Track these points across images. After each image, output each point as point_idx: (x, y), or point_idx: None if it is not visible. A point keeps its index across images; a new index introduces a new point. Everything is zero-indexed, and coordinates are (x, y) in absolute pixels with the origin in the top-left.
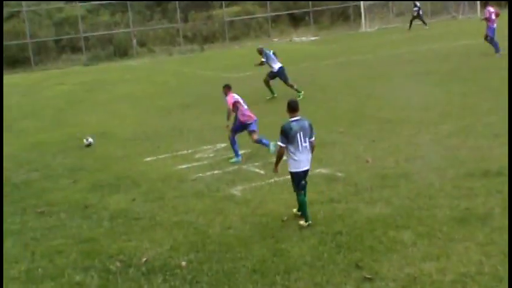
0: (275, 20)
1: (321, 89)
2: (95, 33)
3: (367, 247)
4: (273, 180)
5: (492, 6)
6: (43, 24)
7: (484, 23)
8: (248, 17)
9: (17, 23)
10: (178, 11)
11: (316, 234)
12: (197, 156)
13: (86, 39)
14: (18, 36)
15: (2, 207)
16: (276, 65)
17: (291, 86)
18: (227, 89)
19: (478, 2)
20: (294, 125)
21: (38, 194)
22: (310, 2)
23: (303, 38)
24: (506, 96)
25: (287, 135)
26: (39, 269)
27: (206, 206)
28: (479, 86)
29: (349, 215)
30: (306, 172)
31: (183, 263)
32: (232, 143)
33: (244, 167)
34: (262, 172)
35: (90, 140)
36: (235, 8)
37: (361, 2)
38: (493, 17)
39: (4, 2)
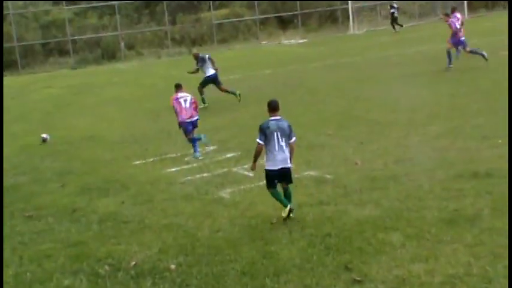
0: (263, 22)
1: (309, 91)
2: (82, 36)
3: (356, 249)
4: (262, 182)
5: (459, 13)
6: (30, 27)
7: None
8: (236, 19)
9: (4, 26)
10: (166, 13)
11: (305, 237)
12: (186, 159)
13: (74, 42)
14: (5, 40)
15: (2, 210)
16: (210, 71)
17: (225, 91)
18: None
19: (466, 3)
20: (272, 124)
21: (26, 198)
22: (298, 4)
23: (292, 41)
24: (494, 97)
25: (264, 133)
26: (28, 273)
27: (195, 208)
28: (467, 87)
29: (338, 217)
30: (283, 171)
31: (172, 266)
32: (190, 141)
33: (234, 169)
34: (251, 175)
35: (45, 136)
36: (223, 11)
37: (349, 4)
38: (457, 26)
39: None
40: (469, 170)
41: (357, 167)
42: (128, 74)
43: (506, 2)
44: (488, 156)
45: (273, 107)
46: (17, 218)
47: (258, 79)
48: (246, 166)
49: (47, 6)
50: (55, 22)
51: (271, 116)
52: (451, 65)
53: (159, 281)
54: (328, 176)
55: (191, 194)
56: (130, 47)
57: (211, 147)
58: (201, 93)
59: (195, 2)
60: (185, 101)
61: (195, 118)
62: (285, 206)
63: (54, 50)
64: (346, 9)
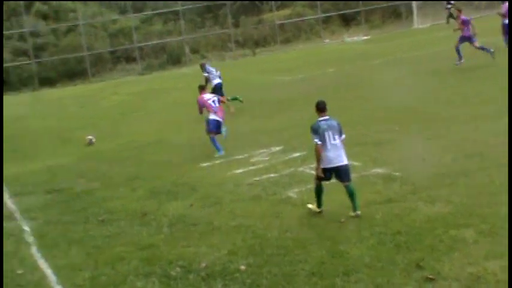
0: (326, 21)
1: (372, 88)
2: (148, 43)
3: (428, 246)
4: (328, 182)
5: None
6: (99, 36)
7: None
8: (299, 19)
9: (74, 37)
10: (229, 16)
11: (374, 235)
12: (252, 160)
13: (140, 49)
14: (76, 50)
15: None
16: (215, 81)
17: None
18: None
19: None
20: (322, 124)
21: (98, 203)
22: (360, 2)
23: (355, 38)
24: None
25: (318, 133)
26: (103, 277)
27: (263, 209)
28: None
29: (407, 215)
30: (338, 168)
31: (242, 267)
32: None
33: (300, 169)
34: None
35: (91, 137)
36: (285, 11)
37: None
38: (469, 25)
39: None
40: None
41: (425, 163)
42: (193, 78)
43: None
44: None
45: (321, 108)
46: (90, 223)
47: (322, 78)
48: (312, 165)
49: (115, 15)
50: (122, 30)
51: (320, 117)
52: (462, 61)
53: (230, 282)
54: (396, 173)
55: (259, 195)
56: (194, 51)
57: (277, 148)
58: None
59: (258, 3)
60: (214, 101)
61: (221, 120)
62: (319, 207)
63: (122, 58)
64: (410, 4)
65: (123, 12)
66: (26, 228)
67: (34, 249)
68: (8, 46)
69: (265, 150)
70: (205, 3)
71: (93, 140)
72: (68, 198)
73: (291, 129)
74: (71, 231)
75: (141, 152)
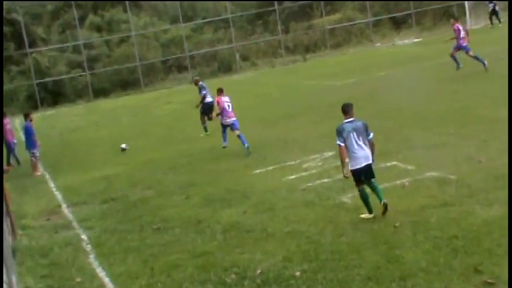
0: (376, 24)
1: (425, 90)
2: (199, 51)
3: (486, 250)
4: (382, 186)
5: (459, 24)
6: (151, 46)
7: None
8: (349, 23)
9: (127, 47)
10: (279, 22)
11: (430, 239)
12: (305, 165)
13: (191, 57)
14: (128, 60)
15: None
16: (209, 98)
17: (203, 122)
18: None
19: None
20: (347, 126)
21: (153, 211)
22: (411, 4)
23: (406, 41)
24: None
25: (341, 136)
26: (159, 284)
27: (317, 214)
28: None
29: (464, 218)
30: (366, 168)
31: (297, 273)
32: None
33: None
34: None
35: (124, 146)
36: (335, 16)
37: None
38: (463, 35)
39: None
40: None
41: (481, 166)
42: (244, 85)
43: None
44: None
45: (346, 110)
46: (146, 231)
47: (373, 82)
48: None
49: (166, 25)
50: (173, 40)
51: (345, 119)
52: (460, 66)
53: None
54: (452, 176)
55: (312, 201)
56: (245, 58)
57: (330, 153)
58: (203, 121)
59: (307, 9)
60: (229, 105)
61: (235, 120)
62: (370, 212)
63: (174, 67)
64: (463, 4)
65: (174, 21)
66: (84, 237)
67: (92, 258)
68: (63, 58)
69: (317, 155)
70: (254, 10)
71: (127, 148)
72: (123, 207)
73: None
74: (127, 240)
75: (194, 160)
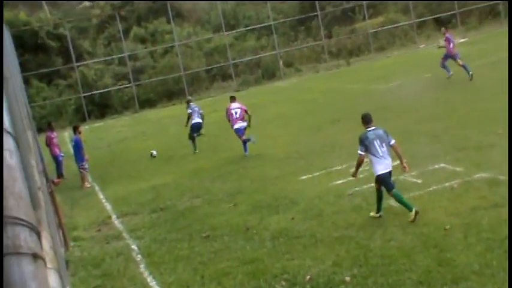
0: (420, 26)
1: (472, 90)
2: (243, 59)
3: None
4: (431, 188)
5: (450, 33)
6: (194, 55)
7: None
8: (392, 26)
9: (171, 58)
10: (321, 27)
11: (482, 241)
12: (351, 170)
13: (235, 65)
14: (173, 70)
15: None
16: (196, 119)
17: (193, 140)
18: (231, 99)
19: None
20: (370, 134)
21: (201, 219)
22: (456, 3)
23: None
24: None
25: (364, 144)
26: None
27: (365, 219)
28: None
29: None
30: (390, 172)
31: (347, 278)
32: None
33: (402, 177)
34: (419, 181)
35: (154, 152)
36: (378, 19)
37: None
38: (452, 43)
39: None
40: None
41: None
42: (288, 91)
43: None
44: None
45: (367, 120)
46: (195, 239)
47: (418, 84)
48: (413, 173)
49: (209, 34)
50: (217, 48)
51: (366, 128)
52: (451, 73)
53: None
54: (501, 177)
55: (360, 205)
56: (288, 64)
57: None
58: (193, 140)
59: (350, 13)
60: (236, 112)
61: (244, 125)
62: (410, 210)
63: (218, 75)
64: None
65: (216, 30)
66: (134, 247)
67: (142, 267)
68: (109, 71)
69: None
70: (297, 16)
71: (155, 154)
72: (172, 216)
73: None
74: (177, 249)
75: (241, 167)
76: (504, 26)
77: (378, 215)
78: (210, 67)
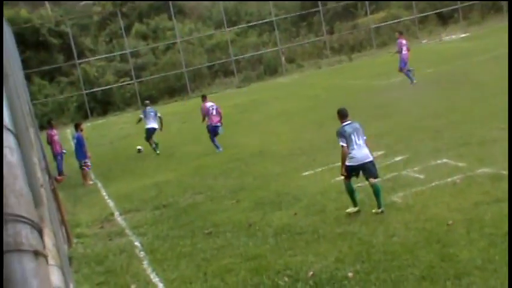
0: (422, 21)
1: (475, 86)
2: (244, 56)
3: None
4: (434, 184)
5: (404, 39)
6: (196, 52)
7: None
8: (394, 21)
9: (173, 54)
10: (323, 23)
11: (485, 237)
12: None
13: (237, 62)
14: (174, 67)
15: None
16: (150, 125)
17: (150, 144)
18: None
19: None
20: (347, 128)
21: (204, 216)
22: None
23: (453, 36)
24: None
25: (343, 136)
26: None
27: (368, 215)
28: None
29: None
30: (366, 165)
31: (350, 274)
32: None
33: (403, 172)
34: (421, 177)
35: (140, 147)
36: (380, 14)
37: None
38: (405, 50)
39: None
40: None
41: None
42: (290, 88)
43: None
44: None
45: (343, 114)
46: (197, 236)
47: (420, 79)
48: (415, 168)
49: (210, 30)
50: (218, 45)
51: (343, 122)
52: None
53: None
54: (504, 172)
55: (362, 201)
56: (290, 60)
57: (379, 153)
58: (151, 144)
59: (352, 9)
60: (213, 109)
61: (219, 124)
62: (355, 205)
63: (220, 72)
64: None
65: (218, 27)
66: (137, 243)
67: (145, 264)
68: (111, 68)
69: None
70: (298, 12)
71: (141, 149)
72: (175, 213)
73: (391, 133)
74: (180, 245)
75: (243, 164)
76: (506, 21)
77: (356, 209)
78: (212, 63)
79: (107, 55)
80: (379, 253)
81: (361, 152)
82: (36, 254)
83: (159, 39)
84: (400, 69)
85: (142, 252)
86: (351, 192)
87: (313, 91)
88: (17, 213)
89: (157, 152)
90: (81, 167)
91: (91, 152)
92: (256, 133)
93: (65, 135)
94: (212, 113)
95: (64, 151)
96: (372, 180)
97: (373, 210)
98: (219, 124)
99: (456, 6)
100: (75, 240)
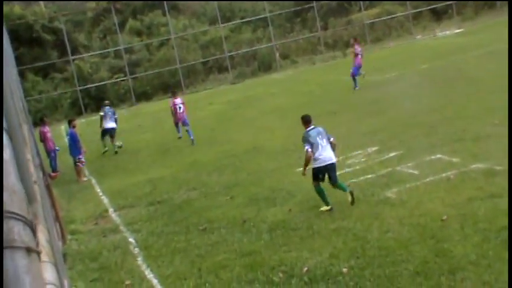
0: (416, 16)
1: (470, 81)
2: (239, 52)
3: None
4: (428, 179)
5: (359, 46)
6: (190, 48)
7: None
8: (388, 17)
9: (167, 50)
10: (317, 19)
11: (478, 232)
12: (348, 162)
13: (231, 58)
14: (169, 63)
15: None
16: (108, 124)
17: (104, 145)
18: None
19: None
20: (312, 132)
21: (198, 212)
22: None
23: (447, 32)
24: None
25: (309, 142)
26: (207, 284)
27: (362, 211)
28: None
29: None
30: (330, 166)
31: (344, 270)
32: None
33: (398, 168)
34: (416, 172)
35: (120, 143)
36: (374, 10)
37: None
38: (360, 55)
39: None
40: None
41: None
42: (285, 84)
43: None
44: None
45: (307, 120)
46: (192, 232)
47: (414, 75)
48: (410, 164)
49: (205, 26)
50: (213, 41)
51: (307, 128)
52: (357, 87)
53: (333, 285)
54: (498, 167)
55: (357, 197)
56: (284, 56)
57: (373, 148)
58: (104, 145)
59: (346, 4)
60: (179, 107)
61: (185, 117)
62: (327, 205)
63: (214, 68)
64: None
65: (212, 23)
66: (131, 240)
67: (140, 260)
68: (105, 64)
69: (360, 151)
70: (292, 8)
71: (122, 145)
72: (169, 209)
73: (386, 129)
74: (174, 241)
75: (237, 160)
76: (500, 17)
77: (328, 207)
78: (206, 59)
79: (101, 51)
80: (374, 249)
81: (326, 153)
82: (29, 250)
83: (153, 35)
84: (353, 75)
85: (136, 249)
86: (320, 193)
87: (307, 87)
88: (9, 209)
89: (116, 150)
90: (75, 163)
91: (86, 147)
92: (251, 129)
93: (59, 131)
94: (179, 111)
95: (57, 148)
96: (335, 183)
97: (349, 199)
98: (185, 117)
99: (450, 2)
100: (69, 237)
